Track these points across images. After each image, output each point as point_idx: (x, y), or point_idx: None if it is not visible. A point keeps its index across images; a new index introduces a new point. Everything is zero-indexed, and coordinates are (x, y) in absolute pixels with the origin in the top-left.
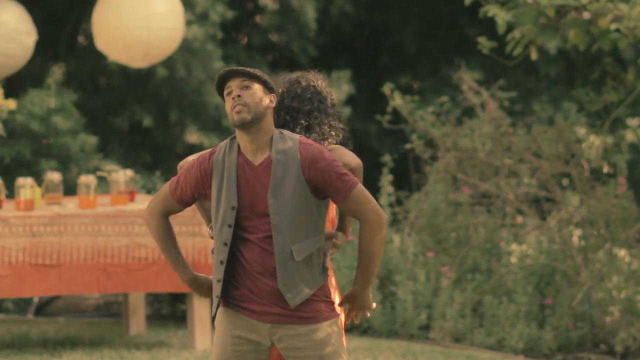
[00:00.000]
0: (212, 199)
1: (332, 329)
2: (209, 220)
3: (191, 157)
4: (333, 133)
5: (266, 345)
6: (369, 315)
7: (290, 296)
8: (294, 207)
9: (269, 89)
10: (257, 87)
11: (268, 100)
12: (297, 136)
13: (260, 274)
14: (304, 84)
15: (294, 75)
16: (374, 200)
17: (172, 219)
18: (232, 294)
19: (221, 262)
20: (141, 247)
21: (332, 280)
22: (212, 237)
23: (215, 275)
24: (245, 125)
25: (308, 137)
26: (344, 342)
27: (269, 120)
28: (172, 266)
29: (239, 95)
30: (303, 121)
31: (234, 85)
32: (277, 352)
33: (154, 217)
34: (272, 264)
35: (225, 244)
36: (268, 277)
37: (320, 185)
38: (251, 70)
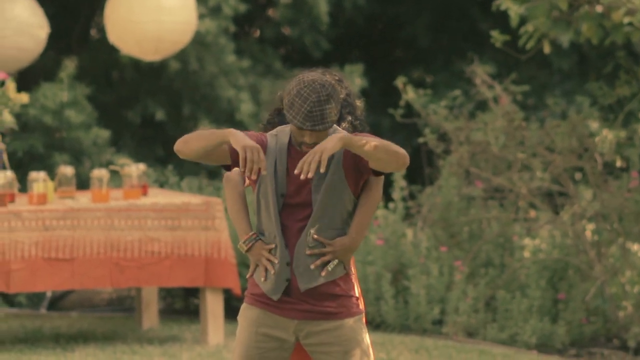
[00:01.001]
0: (263, 182)
1: (358, 325)
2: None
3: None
4: (359, 123)
5: (291, 342)
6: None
7: (302, 280)
8: (330, 199)
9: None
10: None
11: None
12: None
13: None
14: (329, 76)
15: (319, 70)
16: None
17: (184, 212)
18: (256, 291)
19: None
20: (154, 241)
21: (353, 270)
22: (246, 252)
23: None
24: None
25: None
26: (368, 338)
27: None
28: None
29: (314, 142)
30: None
31: (308, 132)
32: (297, 348)
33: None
34: None
35: (277, 225)
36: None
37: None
38: (330, 122)
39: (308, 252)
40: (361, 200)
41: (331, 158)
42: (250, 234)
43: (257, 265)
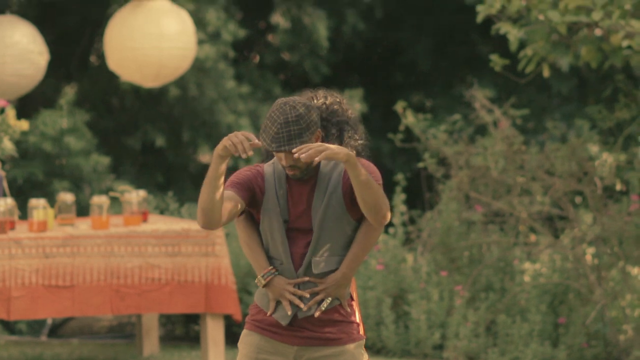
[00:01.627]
0: (266, 210)
1: (358, 351)
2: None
3: None
4: (361, 144)
5: None
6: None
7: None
8: (328, 222)
9: (315, 131)
10: None
11: (315, 140)
12: None
13: None
14: (330, 98)
15: (320, 91)
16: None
17: (184, 238)
18: (257, 317)
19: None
20: (154, 267)
21: (354, 295)
22: (264, 286)
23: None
24: (298, 178)
25: None
26: None
27: None
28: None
29: (291, 165)
30: (334, 131)
31: (283, 155)
32: None
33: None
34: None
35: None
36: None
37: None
38: (299, 142)
39: (300, 294)
40: (358, 233)
41: (329, 180)
42: (269, 268)
43: (277, 301)
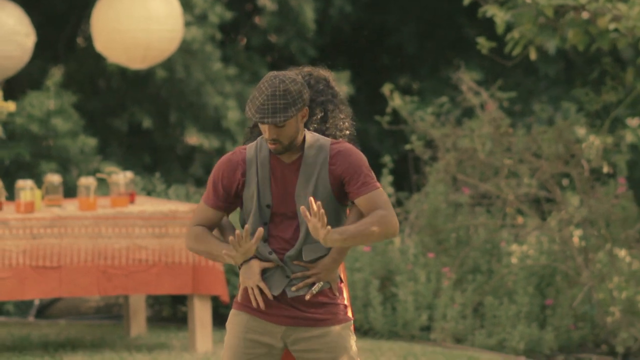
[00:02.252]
0: (247, 196)
1: (346, 332)
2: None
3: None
4: (347, 125)
5: (279, 348)
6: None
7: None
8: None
9: (302, 108)
10: (291, 122)
11: (301, 118)
12: (329, 139)
13: None
14: (315, 75)
15: (305, 69)
16: (392, 209)
17: (171, 220)
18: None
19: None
20: (141, 249)
21: (342, 277)
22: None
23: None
24: (279, 153)
25: (323, 128)
26: (356, 346)
27: (302, 129)
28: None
29: (273, 138)
30: (318, 111)
31: (266, 127)
32: (286, 353)
33: (188, 230)
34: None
35: (265, 241)
36: None
37: (347, 177)
38: (283, 116)
39: (293, 277)
40: (350, 217)
41: (313, 166)
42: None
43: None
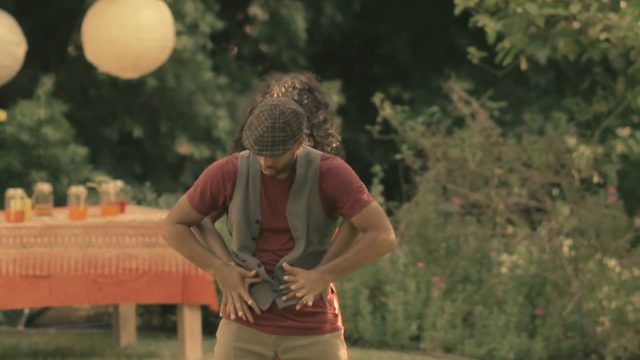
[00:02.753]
0: (234, 209)
1: (336, 341)
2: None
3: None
4: (330, 139)
5: (269, 357)
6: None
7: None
8: (306, 223)
9: (299, 139)
10: (287, 153)
11: (298, 146)
12: (319, 152)
13: None
14: (298, 86)
15: (288, 78)
16: (388, 221)
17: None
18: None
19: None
20: (132, 258)
21: (332, 286)
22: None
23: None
24: (274, 177)
25: (310, 143)
26: (346, 355)
27: (296, 153)
28: (202, 265)
29: (269, 165)
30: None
31: (262, 157)
32: None
33: (168, 225)
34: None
35: (253, 255)
36: None
37: (338, 196)
38: (282, 149)
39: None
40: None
41: (304, 182)
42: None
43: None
